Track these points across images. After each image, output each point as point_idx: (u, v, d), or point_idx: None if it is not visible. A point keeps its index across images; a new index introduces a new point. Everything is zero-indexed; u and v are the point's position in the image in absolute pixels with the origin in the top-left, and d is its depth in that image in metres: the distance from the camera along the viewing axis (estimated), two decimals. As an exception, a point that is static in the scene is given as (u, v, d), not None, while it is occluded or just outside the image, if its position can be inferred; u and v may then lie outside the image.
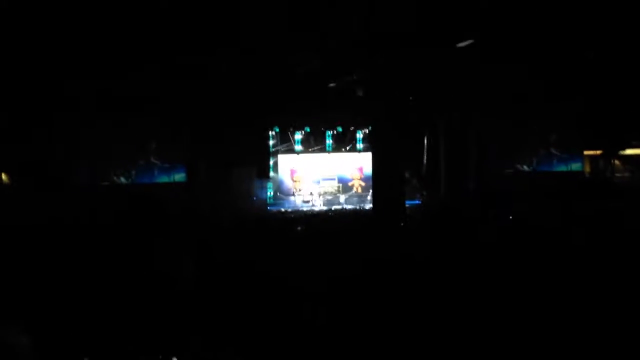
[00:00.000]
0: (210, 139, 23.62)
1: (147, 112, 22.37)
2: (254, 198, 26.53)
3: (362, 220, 18.04)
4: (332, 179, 30.01)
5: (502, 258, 7.77)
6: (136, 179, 24.19)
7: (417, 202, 25.44)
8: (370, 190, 23.54)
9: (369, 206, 25.05)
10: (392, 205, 17.04)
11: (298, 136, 29.52)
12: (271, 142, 28.65)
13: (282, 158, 29.70)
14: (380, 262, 7.73)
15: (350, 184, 30.15)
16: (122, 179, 24.02)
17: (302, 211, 24.58)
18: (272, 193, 29.17)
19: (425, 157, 26.51)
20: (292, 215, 21.31)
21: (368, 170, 25.60)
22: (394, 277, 6.87)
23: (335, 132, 29.59)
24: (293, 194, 29.29)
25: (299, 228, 13.07)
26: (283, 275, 6.80)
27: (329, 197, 28.70)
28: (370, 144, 23.88)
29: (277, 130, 29.08)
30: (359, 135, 29.73)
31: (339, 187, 29.70)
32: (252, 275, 6.64)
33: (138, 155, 24.47)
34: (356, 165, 29.91)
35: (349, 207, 26.56)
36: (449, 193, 24.74)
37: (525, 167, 26.43)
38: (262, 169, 27.51)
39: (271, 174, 28.21)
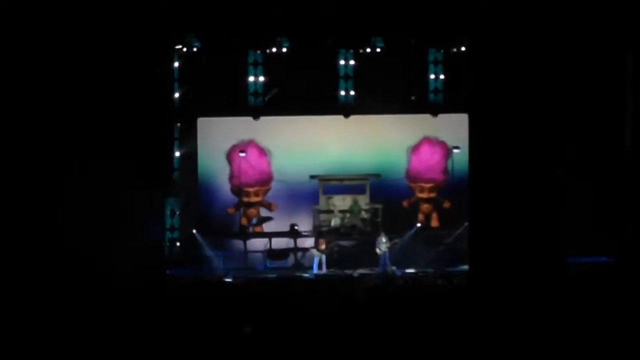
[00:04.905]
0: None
1: None
2: (128, 243, 13.48)
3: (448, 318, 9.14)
4: (354, 187, 18.46)
5: None
6: None
7: (603, 258, 17.55)
8: (466, 226, 16.79)
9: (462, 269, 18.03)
10: (525, 270, 10.83)
11: (255, 64, 18.75)
12: (178, 85, 18.32)
13: (208, 125, 18.77)
14: None
15: (408, 202, 18.96)
16: None
17: (263, 279, 16.81)
18: (178, 227, 18.12)
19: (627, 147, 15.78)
20: (236, 291, 13.63)
21: (462, 166, 17.86)
22: None
23: (365, 50, 18.13)
24: (243, 230, 18.21)
25: (247, 329, 8.49)
26: None
27: (344, 243, 17.74)
28: (475, 93, 14.18)
29: (196, 44, 17.27)
30: (434, 59, 18.66)
31: (373, 210, 18.40)
32: None
33: None
34: (430, 149, 19.43)
35: (399, 271, 17.86)
36: None
37: None
38: (153, 158, 13.71)
39: (176, 174, 18.31)
